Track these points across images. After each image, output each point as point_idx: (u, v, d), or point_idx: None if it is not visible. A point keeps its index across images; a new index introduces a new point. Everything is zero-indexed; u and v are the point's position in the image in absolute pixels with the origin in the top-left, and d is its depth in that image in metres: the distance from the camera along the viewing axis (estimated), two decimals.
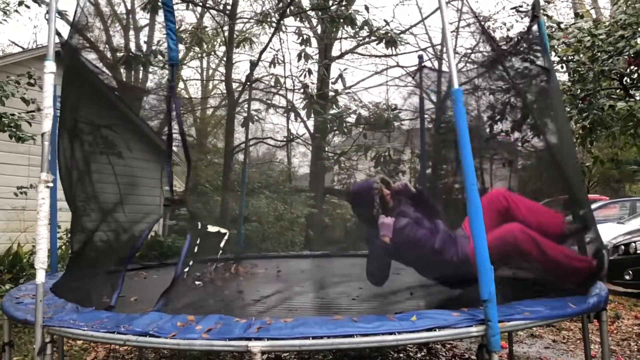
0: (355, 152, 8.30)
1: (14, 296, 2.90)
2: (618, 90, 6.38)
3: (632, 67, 5.99)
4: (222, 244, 2.94)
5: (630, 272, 6.87)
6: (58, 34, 3.36)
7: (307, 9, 7.61)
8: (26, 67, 6.45)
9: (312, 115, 7.24)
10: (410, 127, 7.65)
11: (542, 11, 6.14)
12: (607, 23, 6.06)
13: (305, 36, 7.45)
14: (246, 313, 2.63)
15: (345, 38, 10.67)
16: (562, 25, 6.37)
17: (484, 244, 2.07)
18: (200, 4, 8.42)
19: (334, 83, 8.26)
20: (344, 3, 7.04)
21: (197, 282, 2.50)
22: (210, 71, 17.70)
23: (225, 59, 8.62)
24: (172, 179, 2.82)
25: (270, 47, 7.69)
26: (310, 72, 7.54)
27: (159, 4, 7.27)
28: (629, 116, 5.16)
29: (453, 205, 6.17)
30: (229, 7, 7.91)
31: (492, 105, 4.80)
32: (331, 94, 8.22)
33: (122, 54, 6.54)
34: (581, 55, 5.90)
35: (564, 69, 6.50)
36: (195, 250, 2.72)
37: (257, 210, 8.61)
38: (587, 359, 3.07)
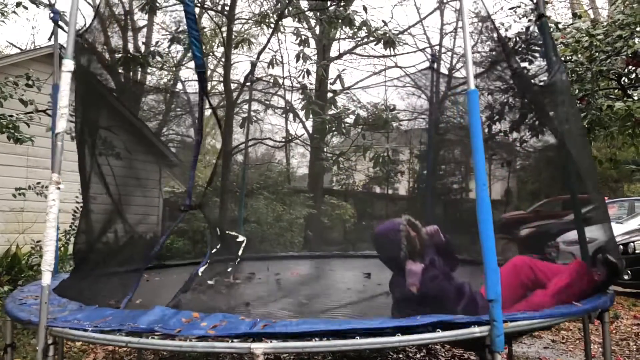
0: (354, 152, 8.30)
1: (16, 297, 2.88)
2: (616, 90, 6.39)
3: (630, 67, 6.00)
4: (240, 252, 2.90)
5: (629, 271, 6.89)
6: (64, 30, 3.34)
7: (306, 9, 7.61)
8: (24, 68, 6.43)
9: (311, 116, 7.23)
10: (409, 128, 7.67)
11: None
12: (605, 23, 6.07)
13: (303, 37, 7.44)
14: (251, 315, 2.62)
15: (344, 39, 10.69)
16: (560, 26, 6.38)
17: (491, 245, 2.06)
18: (199, 4, 8.40)
19: (332, 84, 8.25)
20: (342, 4, 7.03)
21: (209, 282, 2.49)
22: (209, 72, 17.68)
23: (223, 59, 8.61)
24: (192, 184, 2.78)
25: (269, 48, 7.72)
26: (308, 72, 7.53)
27: (157, 4, 7.26)
28: (627, 116, 5.17)
29: (453, 205, 6.19)
30: (227, 8, 7.90)
31: (491, 105, 4.81)
32: (330, 94, 8.22)
33: (120, 55, 6.53)
34: (579, 56, 5.91)
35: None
36: (214, 252, 2.69)
37: (256, 211, 8.60)
38: (587, 359, 3.08)
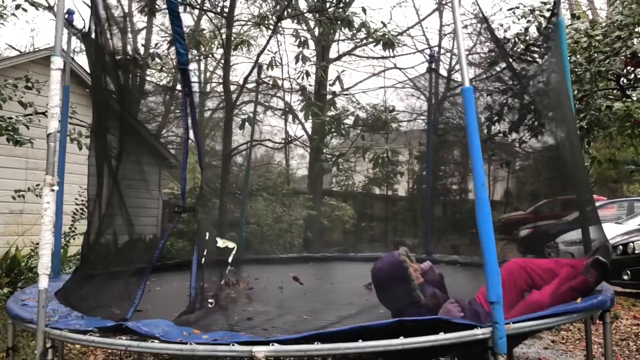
0: (354, 153, 8.30)
1: (19, 298, 2.88)
2: (615, 91, 6.40)
3: (628, 67, 6.02)
4: (230, 259, 2.88)
5: (629, 272, 6.89)
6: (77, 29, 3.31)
7: (305, 11, 7.61)
8: (24, 70, 6.42)
9: (310, 117, 7.23)
10: (408, 129, 7.67)
11: (538, 13, 6.18)
12: (604, 24, 6.09)
13: (302, 38, 7.44)
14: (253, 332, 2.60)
15: (343, 40, 10.68)
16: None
17: (492, 246, 2.05)
18: (198, 6, 8.40)
19: (331, 85, 8.25)
20: (341, 5, 7.03)
21: (209, 301, 2.47)
22: (208, 74, 17.68)
23: (222, 61, 8.61)
24: (185, 185, 2.77)
25: (268, 50, 7.68)
26: (308, 74, 7.53)
27: (156, 6, 7.25)
28: (626, 116, 5.18)
29: (452, 206, 6.19)
30: (226, 10, 7.90)
31: (490, 105, 4.82)
32: (329, 96, 8.21)
33: (119, 56, 6.52)
34: (578, 56, 5.93)
35: None
36: (202, 261, 2.67)
37: (256, 213, 8.59)
38: (588, 359, 3.08)
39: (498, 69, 4.63)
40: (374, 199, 10.57)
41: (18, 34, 39.76)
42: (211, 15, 8.95)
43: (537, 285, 2.85)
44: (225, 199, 7.21)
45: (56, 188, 2.19)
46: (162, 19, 14.13)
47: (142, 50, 11.18)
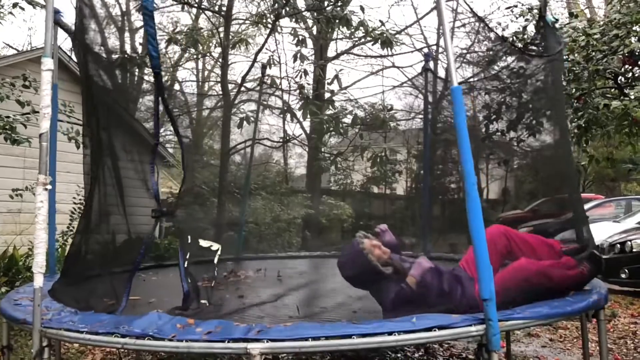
0: (352, 152, 8.30)
1: (12, 298, 2.88)
2: (613, 89, 6.40)
3: (626, 66, 6.01)
4: (215, 261, 2.88)
5: (627, 270, 6.90)
6: (67, 31, 3.33)
7: (303, 9, 7.61)
8: (21, 69, 6.42)
9: (308, 116, 7.23)
10: (407, 128, 7.68)
11: (536, 11, 6.17)
12: (602, 22, 6.09)
13: (300, 37, 7.44)
14: (246, 319, 2.62)
15: (341, 39, 10.70)
16: (557, 25, 6.38)
17: (483, 244, 2.06)
18: (196, 5, 8.39)
19: (330, 84, 8.25)
20: (339, 4, 7.03)
21: (202, 301, 2.47)
22: (206, 72, 17.69)
23: (220, 60, 8.61)
24: (158, 188, 2.75)
25: (266, 49, 7.70)
26: (306, 73, 7.53)
27: (154, 5, 7.24)
28: (623, 115, 5.18)
29: (450, 205, 6.19)
30: (224, 9, 7.89)
31: (487, 105, 4.82)
32: (327, 94, 8.22)
33: (117, 55, 6.52)
34: (576, 55, 5.92)
35: None
36: (186, 265, 2.66)
37: (254, 212, 8.60)
38: (585, 357, 3.08)
39: (497, 67, 4.63)
40: (372, 197, 10.59)
41: (15, 32, 39.81)
42: (209, 13, 8.95)
43: (515, 253, 2.89)
44: (224, 198, 7.22)
45: (49, 187, 2.21)
46: (159, 18, 14.14)
47: (139, 49, 11.18)
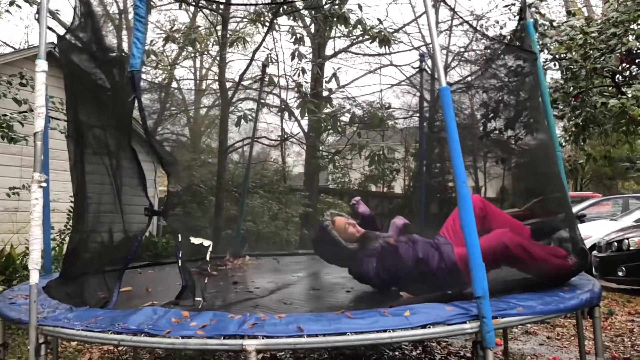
0: (350, 151, 8.30)
1: (7, 297, 2.88)
2: (610, 88, 6.41)
3: (624, 64, 6.01)
4: (207, 257, 2.92)
5: (624, 268, 6.93)
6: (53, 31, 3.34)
7: (301, 8, 7.60)
8: (18, 67, 6.41)
9: (306, 115, 7.22)
10: (405, 126, 7.67)
11: (534, 9, 6.18)
12: (599, 21, 6.09)
13: (298, 35, 7.44)
14: (241, 307, 2.64)
15: (339, 37, 10.66)
16: (555, 24, 6.39)
17: (475, 241, 2.07)
18: (193, 3, 8.38)
19: (327, 82, 8.25)
20: (337, 2, 7.02)
21: (197, 299, 2.50)
22: (204, 71, 17.68)
23: (218, 58, 8.60)
24: (146, 186, 2.78)
25: (264, 47, 7.66)
26: (304, 71, 7.53)
27: (152, 3, 7.24)
28: (621, 113, 5.18)
29: (447, 203, 6.19)
30: (222, 7, 7.88)
31: (484, 103, 4.83)
32: (325, 93, 8.21)
33: (114, 53, 6.51)
34: (573, 53, 5.93)
35: (557, 66, 6.53)
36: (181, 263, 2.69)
37: (252, 210, 8.60)
38: (581, 355, 3.09)
39: (494, 66, 4.63)
40: (370, 196, 10.58)
41: (12, 30, 39.74)
42: (206, 12, 8.94)
43: (487, 223, 2.97)
44: (221, 196, 7.22)
45: (44, 184, 2.27)
46: (157, 16, 14.11)
47: None
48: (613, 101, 5.24)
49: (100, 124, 3.34)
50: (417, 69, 5.54)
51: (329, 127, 7.39)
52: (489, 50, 4.33)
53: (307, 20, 8.55)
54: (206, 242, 2.78)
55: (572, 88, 5.93)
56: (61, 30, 3.27)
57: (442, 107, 2.21)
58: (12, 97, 5.56)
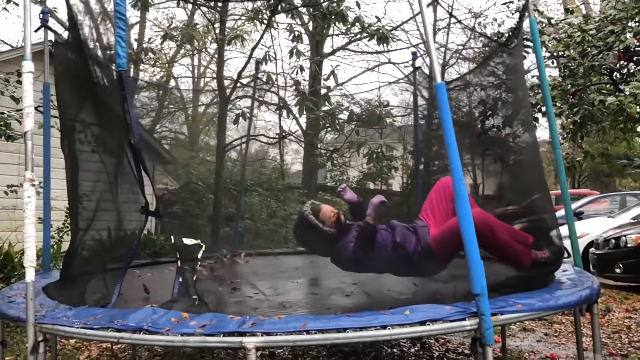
0: (348, 148, 8.30)
1: (5, 295, 2.87)
2: (608, 85, 6.42)
3: (621, 62, 6.03)
4: (200, 255, 2.93)
5: (621, 265, 6.95)
6: (52, 30, 3.34)
7: (299, 5, 7.59)
8: (15, 65, 6.37)
9: (305, 112, 7.22)
10: (403, 124, 7.68)
11: (532, 7, 6.18)
12: (597, 18, 6.11)
13: (296, 33, 7.43)
14: (241, 309, 2.64)
15: (337, 35, 10.66)
16: (553, 21, 6.40)
17: (473, 238, 2.07)
18: (191, 1, 8.36)
19: (326, 80, 8.24)
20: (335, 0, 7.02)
21: (194, 297, 2.50)
22: (202, 69, 17.64)
23: (216, 56, 8.59)
24: (143, 186, 2.78)
25: (262, 44, 7.67)
26: (302, 69, 7.53)
27: (149, 1, 7.22)
28: (618, 111, 5.20)
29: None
30: (220, 4, 7.86)
31: (484, 100, 4.83)
32: (323, 90, 8.21)
33: (112, 51, 6.48)
34: (571, 51, 5.94)
35: (555, 64, 6.55)
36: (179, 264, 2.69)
37: (250, 208, 8.60)
38: (579, 351, 3.10)
39: (492, 63, 4.64)
40: (368, 193, 10.57)
41: (10, 28, 39.56)
42: (204, 9, 8.92)
43: (491, 241, 2.93)
44: (220, 194, 7.21)
45: (36, 183, 2.29)
46: (155, 14, 14.07)
47: (135, 45, 11.12)
48: (611, 99, 5.26)
49: (98, 122, 3.33)
50: (413, 67, 5.53)
51: (327, 125, 7.39)
52: (480, 49, 4.35)
53: (305, 18, 8.55)
54: (199, 242, 2.80)
55: (569, 85, 5.95)
56: (59, 28, 3.27)
57: (437, 103, 2.21)
58: (9, 94, 5.54)
